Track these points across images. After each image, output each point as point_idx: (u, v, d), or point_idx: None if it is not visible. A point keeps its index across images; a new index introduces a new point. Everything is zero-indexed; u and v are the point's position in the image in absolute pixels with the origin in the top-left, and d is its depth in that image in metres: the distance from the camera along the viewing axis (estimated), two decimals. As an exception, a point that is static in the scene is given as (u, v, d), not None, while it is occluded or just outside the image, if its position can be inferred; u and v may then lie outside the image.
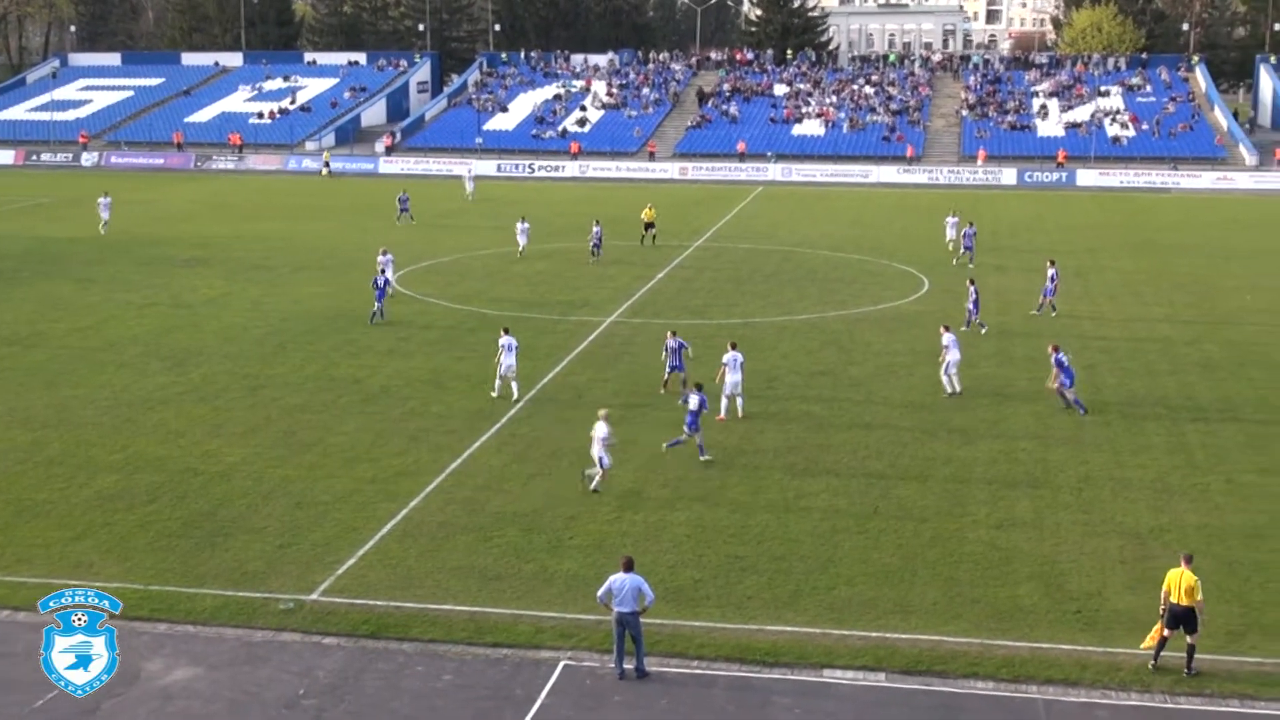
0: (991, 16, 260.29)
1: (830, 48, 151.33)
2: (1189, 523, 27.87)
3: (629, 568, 21.04)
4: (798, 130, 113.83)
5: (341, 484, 29.94)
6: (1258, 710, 20.27)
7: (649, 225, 66.10)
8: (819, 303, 50.69)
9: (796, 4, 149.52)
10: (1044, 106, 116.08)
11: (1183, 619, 21.00)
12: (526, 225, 62.97)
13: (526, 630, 22.54)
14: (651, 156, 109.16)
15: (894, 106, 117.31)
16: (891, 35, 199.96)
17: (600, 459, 29.69)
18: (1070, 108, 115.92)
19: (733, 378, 35.01)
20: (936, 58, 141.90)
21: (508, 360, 36.78)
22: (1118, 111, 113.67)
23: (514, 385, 36.95)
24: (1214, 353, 42.99)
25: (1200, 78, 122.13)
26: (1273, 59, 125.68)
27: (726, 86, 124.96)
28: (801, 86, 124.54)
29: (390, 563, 25.42)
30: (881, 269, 58.27)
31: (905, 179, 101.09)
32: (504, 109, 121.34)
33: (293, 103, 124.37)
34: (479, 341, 43.84)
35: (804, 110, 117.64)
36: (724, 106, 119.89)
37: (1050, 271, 49.13)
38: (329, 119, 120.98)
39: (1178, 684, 20.88)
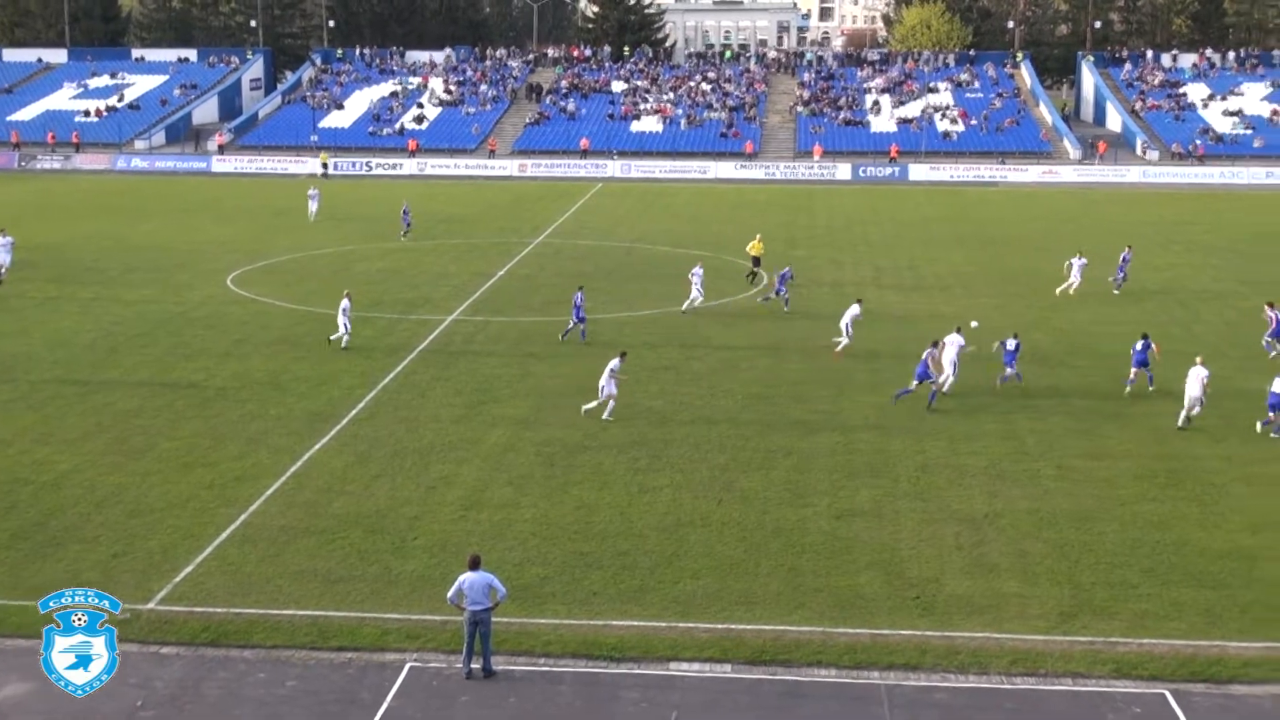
0: (825, 14, 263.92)
1: (667, 45, 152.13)
2: (1021, 508, 28.62)
3: (475, 565, 20.98)
4: (636, 127, 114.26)
5: (178, 490, 29.31)
6: (1089, 688, 20.91)
7: (756, 260, 55.81)
8: (660, 299, 50.94)
9: (632, 1, 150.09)
10: (876, 103, 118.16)
11: None
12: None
13: (371, 633, 22.31)
14: (491, 154, 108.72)
15: (730, 103, 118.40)
16: (727, 32, 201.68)
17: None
18: (902, 104, 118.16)
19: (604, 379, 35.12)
20: (772, 55, 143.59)
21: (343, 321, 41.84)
22: (947, 107, 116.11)
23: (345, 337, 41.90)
24: (1043, 342, 44.13)
25: (1025, 74, 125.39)
26: (1091, 57, 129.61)
27: (564, 83, 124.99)
28: (639, 83, 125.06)
29: (229, 569, 24.96)
30: (721, 264, 58.74)
31: (743, 175, 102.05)
32: (339, 106, 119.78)
33: (120, 100, 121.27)
34: (318, 342, 43.27)
35: (642, 107, 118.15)
36: (562, 103, 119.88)
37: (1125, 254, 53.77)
38: (159, 117, 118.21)
39: (1013, 664, 21.44)
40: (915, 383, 36.46)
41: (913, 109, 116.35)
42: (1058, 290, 52.15)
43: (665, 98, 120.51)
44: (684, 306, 48.44)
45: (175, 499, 28.71)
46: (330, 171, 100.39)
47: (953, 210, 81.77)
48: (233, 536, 26.56)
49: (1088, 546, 26.47)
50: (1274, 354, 41.89)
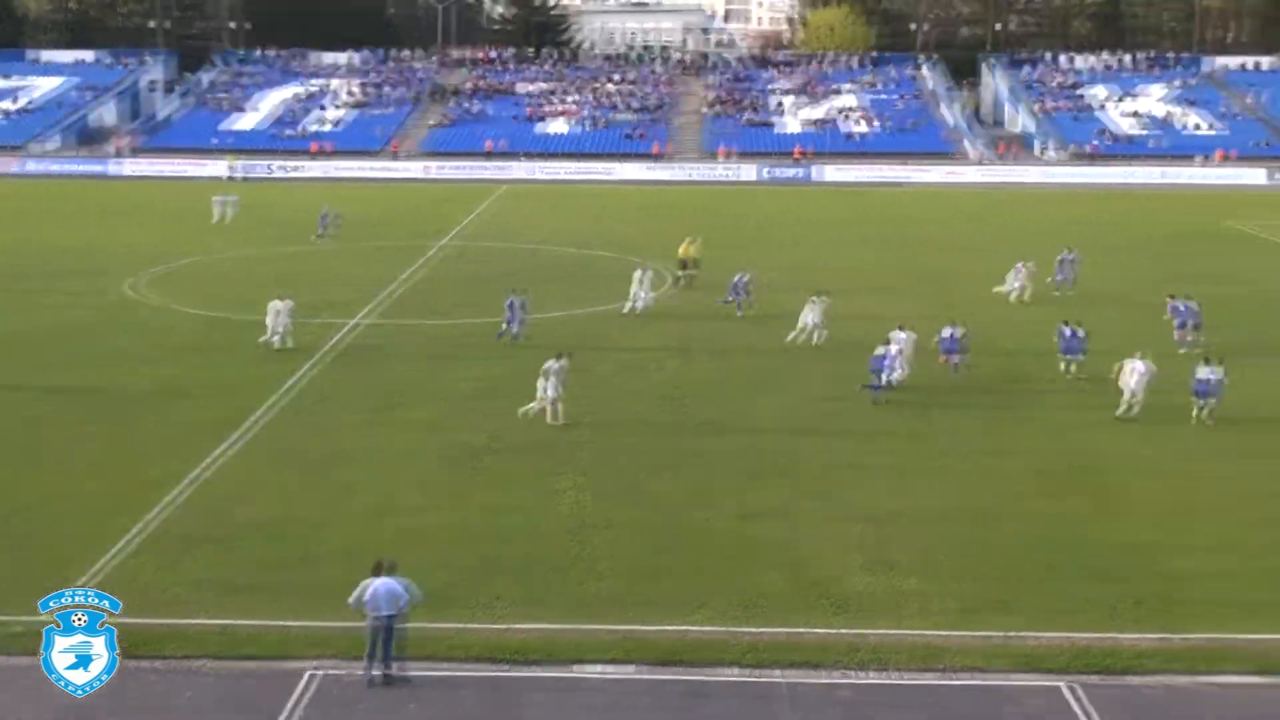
0: (732, 16, 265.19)
1: (575, 46, 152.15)
2: (926, 505, 28.93)
3: (379, 571, 20.88)
4: (543, 129, 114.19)
5: (79, 499, 28.85)
6: (988, 682, 21.20)
7: (685, 264, 55.75)
8: (567, 300, 50.93)
9: (539, 2, 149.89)
10: (782, 104, 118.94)
11: None
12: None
13: (274, 641, 22.10)
14: (396, 156, 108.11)
15: (638, 104, 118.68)
16: (635, 34, 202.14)
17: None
18: (808, 105, 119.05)
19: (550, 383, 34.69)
20: (679, 56, 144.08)
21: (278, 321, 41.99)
22: (853, 109, 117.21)
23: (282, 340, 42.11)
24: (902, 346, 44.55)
25: (929, 76, 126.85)
26: (994, 59, 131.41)
27: (471, 85, 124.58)
28: (547, 85, 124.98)
29: (130, 579, 24.57)
30: (629, 266, 58.84)
31: (650, 176, 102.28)
32: (244, 109, 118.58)
33: (17, 103, 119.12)
34: (222, 347, 42.82)
35: (549, 109, 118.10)
36: (469, 105, 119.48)
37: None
38: (58, 119, 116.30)
39: (914, 661, 21.69)
40: (883, 376, 37.21)
41: (819, 111, 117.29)
42: (994, 289, 52.29)
43: (573, 99, 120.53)
44: (625, 308, 48.51)
45: (76, 509, 28.25)
46: (238, 175, 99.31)
47: (860, 211, 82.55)
48: (134, 545, 26.20)
49: (990, 544, 26.83)
50: (1184, 349, 42.59)
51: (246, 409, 35.65)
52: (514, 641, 22.15)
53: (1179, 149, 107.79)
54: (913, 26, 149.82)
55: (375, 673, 20.83)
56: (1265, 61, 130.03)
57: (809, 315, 43.90)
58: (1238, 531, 27.67)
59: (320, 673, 21.18)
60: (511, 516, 28.05)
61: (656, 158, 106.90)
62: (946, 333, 40.09)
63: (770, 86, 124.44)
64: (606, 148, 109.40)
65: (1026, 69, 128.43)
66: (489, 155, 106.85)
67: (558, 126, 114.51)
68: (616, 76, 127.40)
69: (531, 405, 34.66)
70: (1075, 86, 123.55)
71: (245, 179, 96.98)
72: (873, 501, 29.19)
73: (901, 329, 39.67)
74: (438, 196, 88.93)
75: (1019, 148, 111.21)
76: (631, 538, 26.93)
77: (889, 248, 66.18)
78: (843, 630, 22.68)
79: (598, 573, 25.08)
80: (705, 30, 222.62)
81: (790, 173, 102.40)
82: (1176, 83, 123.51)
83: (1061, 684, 21.06)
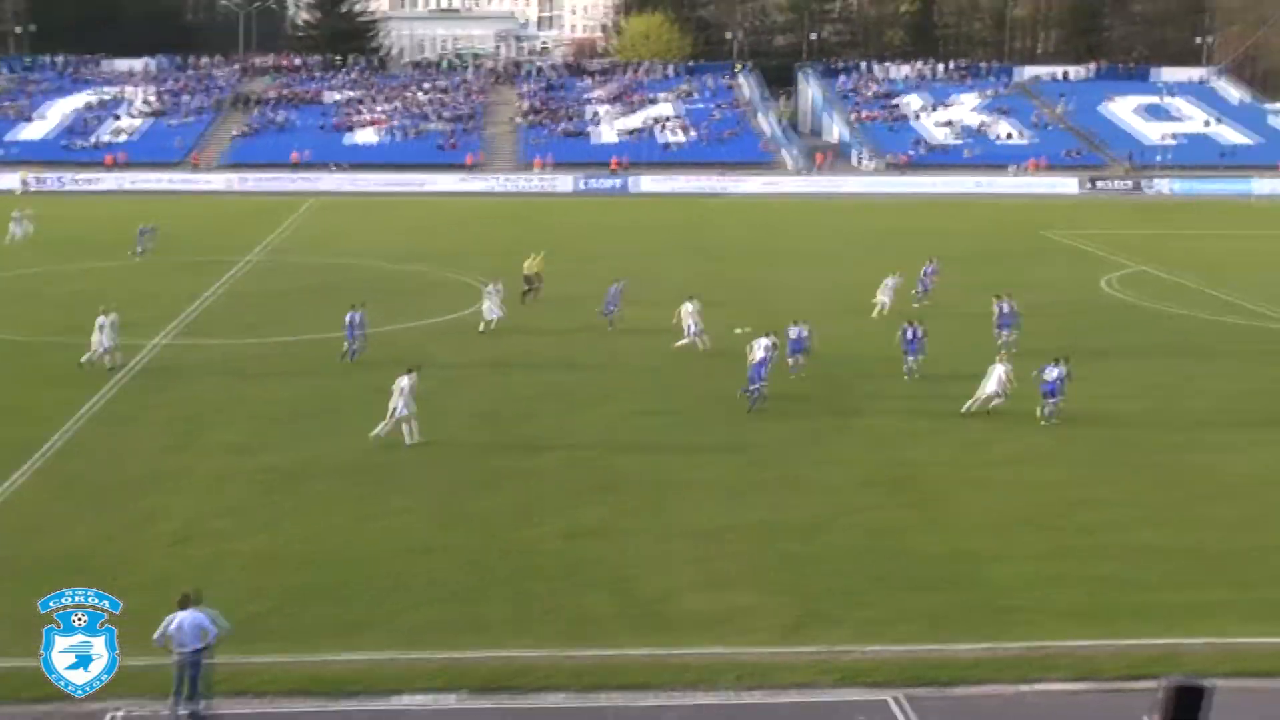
0: (546, 23, 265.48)
1: (383, 54, 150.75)
2: (752, 519, 29.17)
3: (186, 604, 20.32)
4: (352, 139, 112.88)
5: None
6: (816, 698, 21.43)
7: (529, 279, 54.72)
8: (381, 316, 50.13)
9: (346, 9, 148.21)
10: (598, 114, 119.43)
11: None
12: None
13: (74, 681, 21.33)
14: (196, 167, 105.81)
15: (450, 114, 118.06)
16: (445, 41, 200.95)
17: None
18: (625, 115, 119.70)
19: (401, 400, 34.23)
20: (492, 64, 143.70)
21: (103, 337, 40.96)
22: (670, 118, 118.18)
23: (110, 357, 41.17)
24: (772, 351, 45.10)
25: (746, 85, 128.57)
26: (810, 68, 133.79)
27: (274, 94, 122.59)
28: (355, 94, 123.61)
29: (-86, 619, 23.58)
30: (444, 280, 58.48)
31: (464, 187, 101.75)
32: (31, 118, 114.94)
33: None
34: (16, 370, 41.38)
35: (358, 118, 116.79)
36: (273, 115, 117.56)
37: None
38: None
39: (742, 678, 21.83)
40: (759, 383, 37.80)
41: (636, 120, 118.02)
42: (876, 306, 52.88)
43: (382, 109, 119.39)
44: (481, 326, 48.16)
45: None
46: (31, 189, 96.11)
47: (677, 222, 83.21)
48: (-83, 584, 25.11)
49: (815, 557, 27.16)
50: (1002, 344, 43.84)
51: (42, 434, 34.43)
52: (331, 673, 21.72)
53: (992, 158, 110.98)
54: (729, 35, 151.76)
55: (182, 711, 20.24)
56: (1074, 71, 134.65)
57: (688, 320, 44.88)
58: (1059, 538, 28.46)
59: (122, 713, 20.51)
60: (327, 542, 27.55)
61: (471, 169, 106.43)
62: (794, 332, 41.11)
63: (586, 95, 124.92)
64: (418, 158, 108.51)
65: (842, 78, 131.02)
66: (296, 166, 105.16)
67: (367, 136, 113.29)
68: (427, 85, 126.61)
69: (382, 426, 34.24)
70: (890, 96, 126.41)
71: (35, 192, 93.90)
72: (700, 517, 29.34)
73: (768, 335, 40.16)
74: (243, 209, 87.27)
75: (836, 157, 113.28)
76: (453, 561, 26.65)
77: (707, 258, 66.77)
78: (672, 650, 22.72)
79: (418, 599, 24.75)
80: (519, 38, 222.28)
81: (607, 183, 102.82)
82: (989, 92, 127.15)
83: (889, 697, 21.39)
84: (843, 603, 24.86)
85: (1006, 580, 26.09)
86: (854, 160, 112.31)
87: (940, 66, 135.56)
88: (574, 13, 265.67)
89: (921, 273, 55.12)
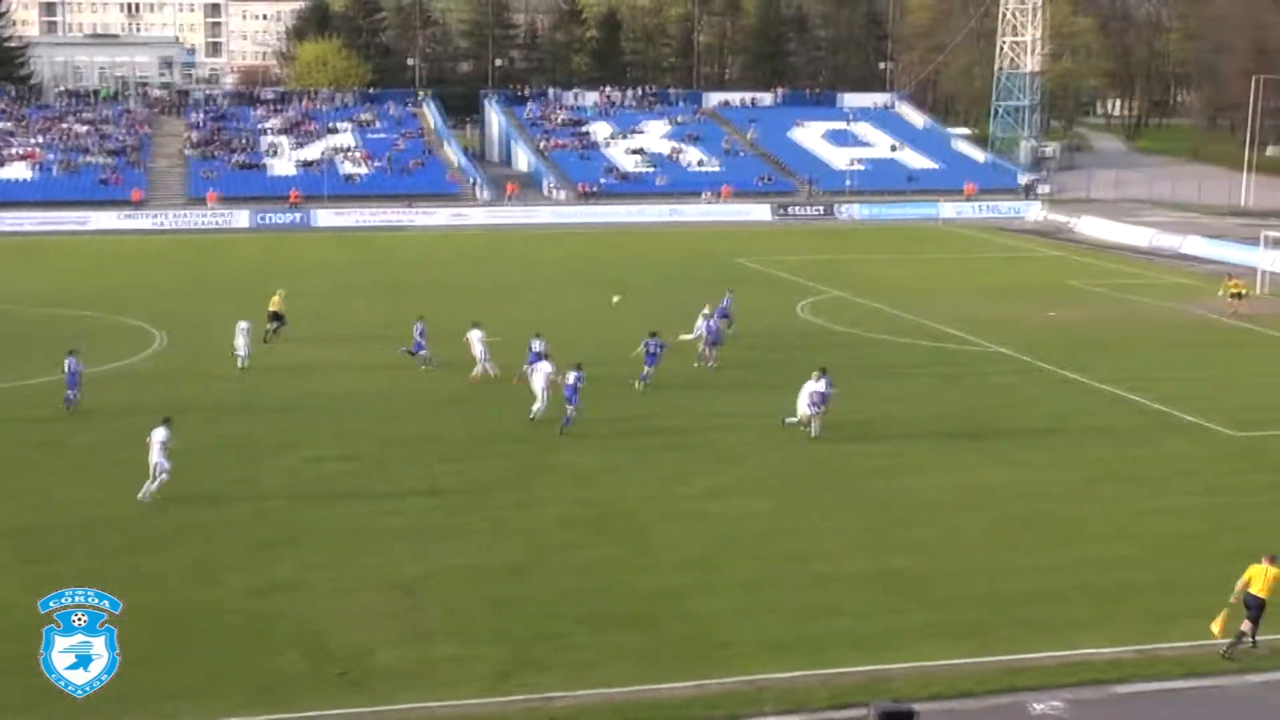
0: (213, 49, 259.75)
1: (33, 82, 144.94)
2: (453, 565, 29.02)
3: None
4: (2, 174, 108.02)
5: None
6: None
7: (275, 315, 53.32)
8: (41, 366, 47.94)
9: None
10: (274, 144, 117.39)
11: (1256, 608, 24.73)
12: None
13: None
14: None
15: (111, 146, 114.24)
16: (104, 69, 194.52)
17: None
18: (302, 145, 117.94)
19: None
20: (156, 93, 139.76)
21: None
22: (350, 148, 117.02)
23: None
24: (461, 390, 45.08)
25: (430, 113, 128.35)
26: (495, 95, 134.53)
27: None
28: (4, 125, 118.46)
29: None
30: (109, 324, 56.46)
31: (129, 225, 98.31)
32: None
33: None
34: None
35: (8, 151, 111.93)
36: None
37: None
38: None
39: (450, 733, 21.64)
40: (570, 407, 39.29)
41: (313, 150, 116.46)
42: (682, 336, 52.82)
43: (34, 141, 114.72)
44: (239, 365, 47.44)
45: None
46: None
47: (361, 256, 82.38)
48: None
49: (523, 599, 27.17)
50: (703, 364, 47.19)
51: None
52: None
53: (684, 185, 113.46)
54: (410, 61, 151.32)
55: None
56: (762, 97, 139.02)
57: (477, 348, 46.04)
58: (765, 568, 29.19)
59: None
60: (-9, 615, 26.16)
61: (136, 205, 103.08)
62: (537, 344, 43.61)
63: (260, 125, 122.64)
64: (77, 194, 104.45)
65: (531, 105, 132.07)
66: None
67: (18, 171, 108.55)
68: (86, 115, 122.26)
69: (151, 485, 33.09)
70: (579, 124, 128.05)
71: None
72: (394, 567, 29.01)
73: (547, 358, 41.69)
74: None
75: (527, 187, 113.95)
76: (131, 625, 25.47)
77: (392, 294, 66.17)
78: (371, 708, 22.37)
79: (93, 669, 23.71)
80: (187, 65, 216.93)
81: (286, 218, 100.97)
82: (678, 119, 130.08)
83: (599, 743, 21.54)
84: (552, 646, 24.93)
85: (715, 614, 26.61)
86: (545, 190, 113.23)
87: (629, 93, 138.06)
88: (244, 38, 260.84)
89: (720, 307, 54.93)
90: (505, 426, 40.55)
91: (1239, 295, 61.63)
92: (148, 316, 58.14)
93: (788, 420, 39.55)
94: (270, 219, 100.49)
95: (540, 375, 40.67)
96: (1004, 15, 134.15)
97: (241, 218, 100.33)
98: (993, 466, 37.36)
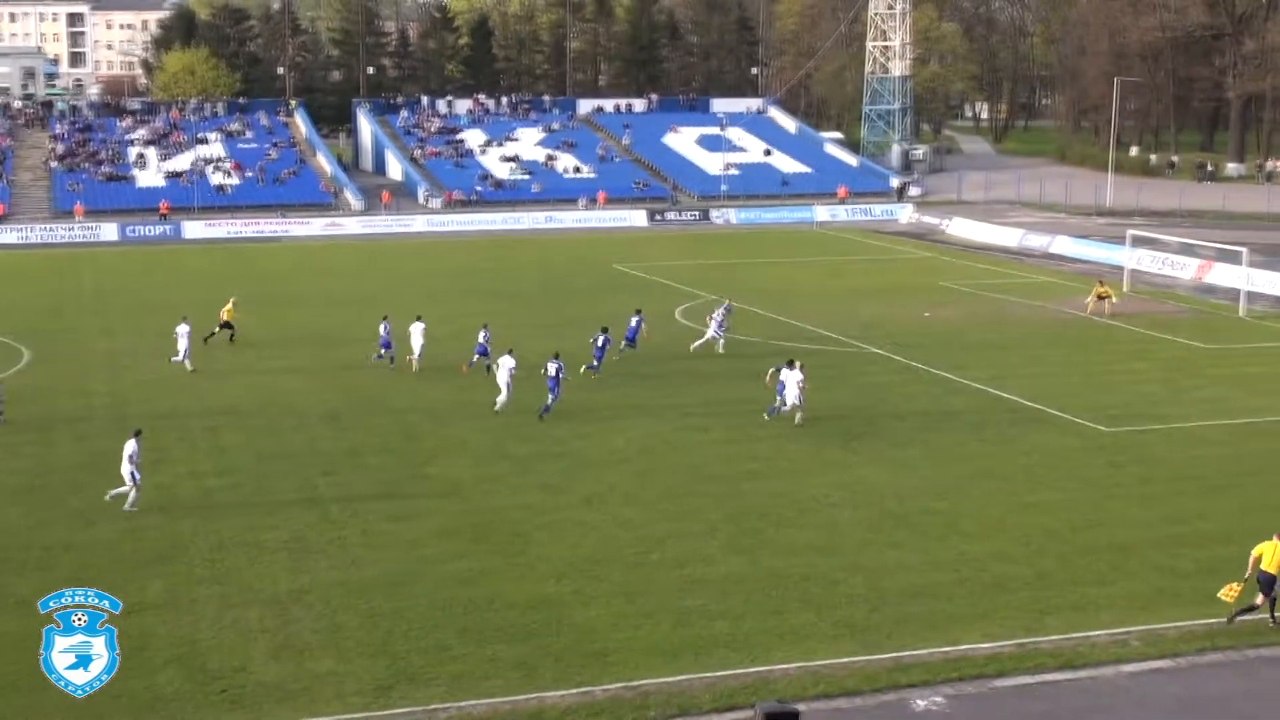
0: (76, 59, 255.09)
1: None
2: (329, 579, 28.77)
3: None
4: None
5: None
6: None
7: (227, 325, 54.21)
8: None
9: None
10: (142, 155, 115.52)
11: (1267, 584, 26.07)
12: None
13: None
14: None
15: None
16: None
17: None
18: (170, 156, 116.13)
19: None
20: (17, 104, 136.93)
21: None
22: (220, 159, 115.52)
23: None
24: (337, 402, 44.72)
25: (301, 123, 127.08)
26: (367, 104, 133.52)
27: None
28: None
29: None
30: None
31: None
32: None
33: None
34: None
35: None
36: None
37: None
38: None
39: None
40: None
41: (182, 161, 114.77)
42: (693, 346, 52.86)
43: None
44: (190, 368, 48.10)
45: None
46: None
47: (233, 269, 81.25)
48: None
49: (399, 613, 26.99)
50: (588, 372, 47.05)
51: None
52: None
53: (560, 192, 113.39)
54: (280, 70, 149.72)
55: None
56: (636, 103, 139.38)
57: (416, 341, 48.36)
58: (645, 574, 29.30)
59: None
60: None
61: (0, 219, 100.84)
62: (600, 339, 47.61)
63: (127, 136, 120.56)
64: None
65: (405, 113, 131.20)
66: None
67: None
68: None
69: (128, 495, 33.11)
70: (453, 131, 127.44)
71: None
72: (272, 581, 28.71)
73: (510, 353, 42.89)
74: None
75: (401, 196, 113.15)
76: (1, 648, 25.09)
77: (275, 305, 65.37)
78: (250, 725, 22.14)
79: (-43, 696, 23.22)
80: (49, 75, 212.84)
81: (156, 230, 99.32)
82: (553, 126, 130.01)
83: (484, 754, 21.45)
84: (433, 659, 24.81)
85: (596, 622, 26.64)
86: (419, 198, 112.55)
87: (502, 100, 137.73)
88: (109, 48, 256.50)
89: (717, 313, 54.64)
90: (381, 441, 40.27)
91: (1106, 299, 62.99)
92: (13, 333, 56.89)
93: (772, 412, 41.90)
94: (139, 231, 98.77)
95: (504, 370, 42.34)
96: (872, 21, 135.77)
97: (110, 230, 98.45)
98: (869, 466, 37.84)
